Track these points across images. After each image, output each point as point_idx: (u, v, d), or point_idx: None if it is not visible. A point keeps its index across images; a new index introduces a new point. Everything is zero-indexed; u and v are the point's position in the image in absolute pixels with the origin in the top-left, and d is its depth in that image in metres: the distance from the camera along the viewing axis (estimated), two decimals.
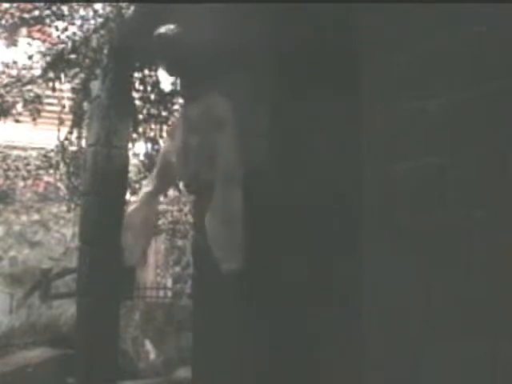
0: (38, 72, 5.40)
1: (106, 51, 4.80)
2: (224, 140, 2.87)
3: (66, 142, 5.78)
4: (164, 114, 5.53)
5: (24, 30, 5.06)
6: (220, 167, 2.84)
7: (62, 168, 6.19)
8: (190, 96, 3.12)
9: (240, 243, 2.74)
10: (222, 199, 2.80)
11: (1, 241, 9.13)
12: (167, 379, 5.82)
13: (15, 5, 4.74)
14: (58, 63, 5.12)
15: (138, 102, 5.42)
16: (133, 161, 5.91)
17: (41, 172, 8.04)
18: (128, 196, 5.92)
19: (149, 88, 5.34)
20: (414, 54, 2.30)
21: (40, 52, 5.25)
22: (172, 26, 2.98)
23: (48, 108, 6.19)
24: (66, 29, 4.96)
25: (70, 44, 4.96)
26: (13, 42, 5.16)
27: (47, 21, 4.89)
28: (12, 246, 9.17)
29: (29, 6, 4.76)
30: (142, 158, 5.95)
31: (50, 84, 5.40)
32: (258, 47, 2.98)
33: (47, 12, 4.79)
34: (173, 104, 5.52)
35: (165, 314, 6.92)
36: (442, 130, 2.19)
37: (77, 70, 5.23)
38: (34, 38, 5.21)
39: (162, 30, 2.99)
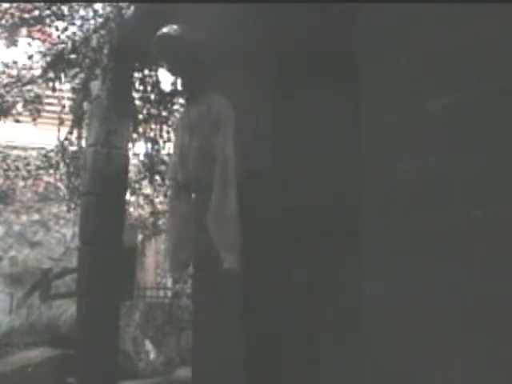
0: (38, 72, 5.39)
1: (105, 51, 4.80)
2: (221, 141, 2.86)
3: (66, 142, 5.78)
4: (164, 113, 5.52)
5: (24, 30, 5.05)
6: (217, 168, 2.84)
7: (62, 168, 6.19)
8: (191, 95, 3.12)
9: (236, 245, 2.75)
10: (218, 201, 2.81)
11: (1, 241, 9.12)
12: (167, 379, 5.81)
13: (15, 5, 4.73)
14: (57, 63, 5.12)
15: (137, 102, 5.42)
16: (133, 161, 5.91)
17: (41, 172, 8.05)
18: (128, 196, 5.92)
19: (149, 88, 5.34)
20: (413, 54, 2.30)
21: (40, 52, 5.25)
22: (174, 27, 2.98)
23: (48, 108, 6.18)
24: (66, 29, 4.95)
25: (70, 44, 4.95)
26: (13, 42, 5.15)
27: (47, 21, 4.89)
28: (12, 246, 9.16)
29: (29, 5, 4.75)
30: (141, 158, 5.95)
31: (50, 84, 5.40)
32: (258, 47, 2.97)
33: (47, 12, 4.78)
34: (173, 104, 5.51)
35: (165, 314, 6.91)
36: (442, 130, 2.19)
37: (77, 70, 5.23)
38: (34, 38, 5.20)
39: (164, 30, 2.99)
